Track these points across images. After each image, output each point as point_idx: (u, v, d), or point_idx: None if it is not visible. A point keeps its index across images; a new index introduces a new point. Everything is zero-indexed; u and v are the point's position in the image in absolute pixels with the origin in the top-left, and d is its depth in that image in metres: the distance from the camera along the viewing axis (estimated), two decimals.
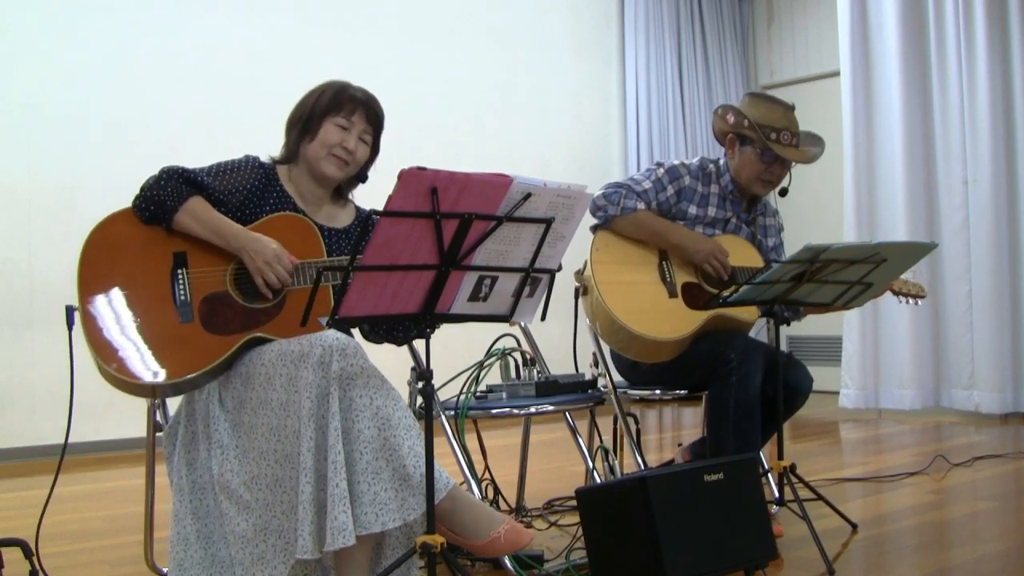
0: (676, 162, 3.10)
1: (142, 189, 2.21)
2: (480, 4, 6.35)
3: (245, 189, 2.28)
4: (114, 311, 2.13)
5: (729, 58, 7.35)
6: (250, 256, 2.16)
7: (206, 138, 4.85)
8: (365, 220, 1.77)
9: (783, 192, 3.13)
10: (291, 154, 2.37)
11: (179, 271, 2.19)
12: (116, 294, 2.15)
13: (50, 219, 4.68)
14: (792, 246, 2.63)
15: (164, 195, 2.17)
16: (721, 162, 3.14)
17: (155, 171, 2.22)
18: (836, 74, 6.21)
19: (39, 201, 4.73)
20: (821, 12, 7.01)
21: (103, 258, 2.17)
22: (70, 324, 2.10)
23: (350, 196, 2.50)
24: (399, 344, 2.48)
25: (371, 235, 1.77)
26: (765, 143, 2.99)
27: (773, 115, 3.02)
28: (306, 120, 2.33)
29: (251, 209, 2.29)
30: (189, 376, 2.10)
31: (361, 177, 2.45)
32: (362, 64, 5.70)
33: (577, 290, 3.01)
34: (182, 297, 2.17)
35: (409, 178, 1.75)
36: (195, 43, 5.17)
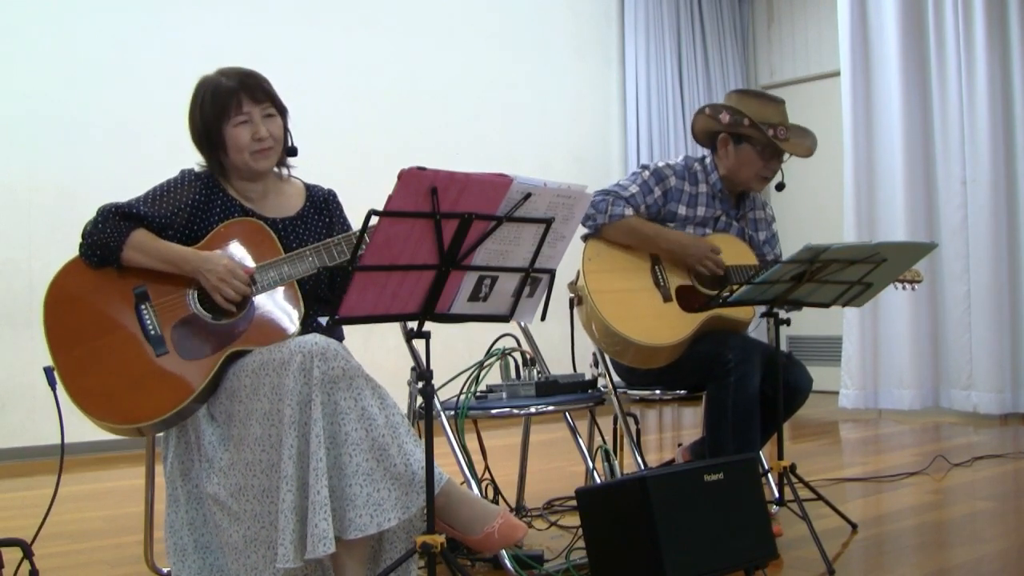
0: (661, 163, 3.10)
1: (83, 236, 2.19)
2: (480, 4, 6.35)
3: (188, 206, 2.25)
4: (90, 364, 2.11)
5: (729, 58, 7.35)
6: (204, 276, 2.14)
7: None
8: (365, 220, 1.77)
9: (780, 187, 3.12)
10: (215, 169, 2.33)
11: (142, 306, 2.16)
12: (87, 345, 2.13)
13: (50, 219, 4.68)
14: (792, 246, 2.63)
15: (105, 237, 2.15)
16: (707, 160, 3.13)
17: (93, 213, 2.20)
18: (836, 74, 6.21)
19: (39, 201, 4.73)
20: (821, 12, 7.01)
21: (66, 314, 2.15)
22: (52, 385, 2.09)
23: (291, 172, 2.43)
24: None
25: (371, 235, 1.77)
26: (768, 139, 2.98)
27: (768, 111, 3.02)
28: (207, 136, 2.28)
29: (199, 224, 2.26)
30: (177, 408, 2.08)
31: (290, 151, 2.37)
32: (362, 64, 5.71)
33: (571, 301, 3.00)
34: (152, 331, 2.14)
35: (409, 178, 1.75)
36: (195, 43, 5.17)
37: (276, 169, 2.38)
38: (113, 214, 2.18)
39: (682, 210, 3.05)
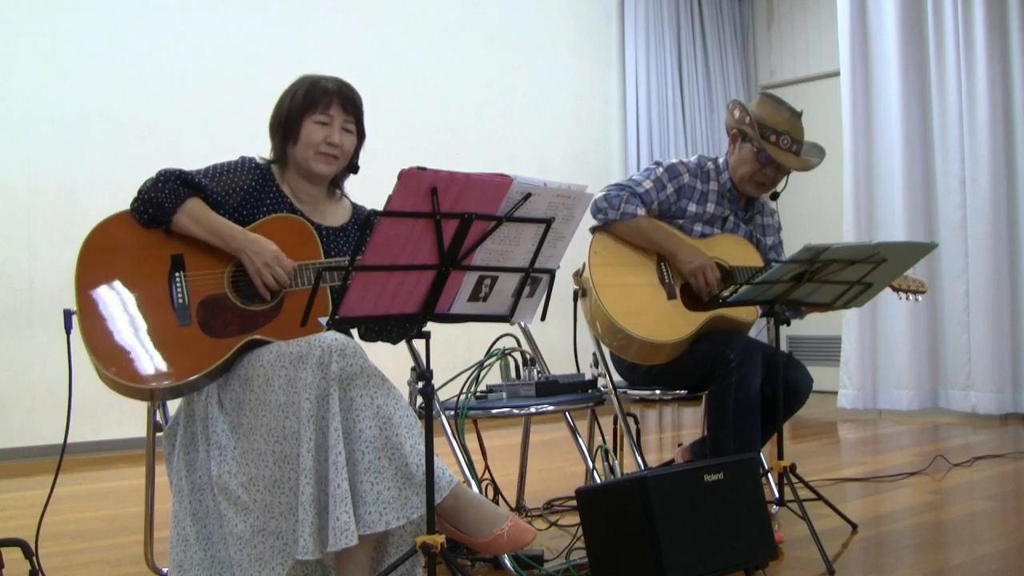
0: (675, 160, 3.11)
1: (140, 192, 2.21)
2: (480, 4, 6.35)
3: (242, 190, 2.28)
4: (112, 315, 2.13)
5: (729, 58, 7.35)
6: (249, 258, 2.16)
7: (206, 138, 4.86)
8: (365, 220, 1.77)
9: (774, 196, 3.14)
10: (279, 158, 2.37)
11: (177, 274, 2.18)
12: (114, 297, 2.14)
13: (50, 219, 4.69)
14: (792, 246, 2.63)
15: (162, 197, 2.18)
16: (720, 160, 3.15)
17: (152, 173, 2.22)
18: (836, 74, 6.21)
19: (39, 201, 4.73)
20: (821, 12, 7.01)
21: (101, 261, 2.17)
22: (68, 328, 2.09)
23: (344, 191, 2.49)
24: (394, 343, 2.48)
25: (371, 235, 1.77)
26: (761, 142, 2.99)
27: (777, 118, 3.02)
28: (285, 123, 2.32)
29: (249, 210, 2.28)
30: (188, 379, 2.09)
31: (352, 168, 2.43)
32: (362, 64, 5.70)
33: (576, 292, 3.01)
34: (180, 300, 2.16)
35: (409, 178, 1.75)
36: (195, 43, 5.18)
37: (331, 186, 2.43)
38: (175, 178, 2.21)
39: (692, 207, 3.06)
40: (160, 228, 2.20)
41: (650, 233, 2.98)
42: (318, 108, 2.30)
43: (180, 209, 2.18)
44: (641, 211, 2.97)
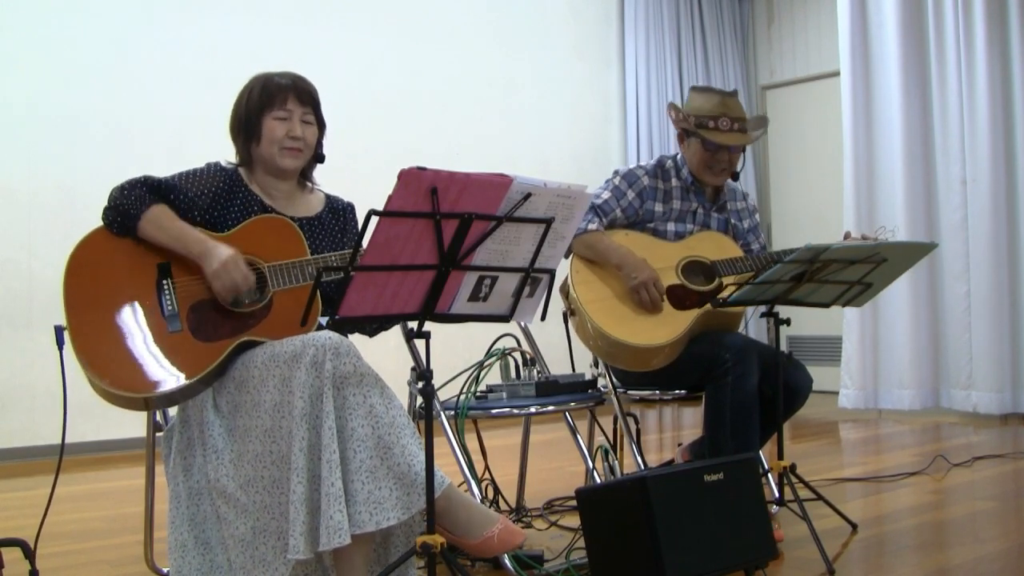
0: (632, 166, 3.14)
1: (108, 200, 2.21)
2: (480, 4, 6.35)
3: (211, 193, 2.29)
4: (102, 328, 2.12)
5: (729, 58, 7.35)
6: (205, 264, 2.16)
7: (206, 138, 4.83)
8: (365, 220, 1.77)
9: (734, 176, 3.15)
10: (244, 160, 2.38)
11: (164, 282, 2.18)
12: (103, 311, 2.14)
13: (50, 219, 4.69)
14: (792, 246, 2.63)
15: (127, 204, 2.18)
16: (679, 156, 3.18)
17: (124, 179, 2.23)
18: (836, 74, 6.21)
19: (39, 201, 4.73)
20: (821, 12, 7.01)
21: (87, 276, 2.16)
22: (60, 344, 2.09)
23: (315, 181, 2.49)
24: (370, 336, 2.48)
25: (371, 235, 1.77)
26: (701, 132, 3.02)
27: (708, 104, 3.05)
28: (246, 124, 2.33)
29: (219, 212, 2.29)
30: (181, 386, 2.09)
31: (319, 158, 2.45)
32: (362, 64, 5.72)
33: (564, 315, 3.01)
34: (169, 308, 2.16)
35: (409, 178, 1.76)
36: (195, 43, 5.18)
37: (302, 179, 2.44)
38: (140, 184, 2.21)
39: (659, 207, 3.08)
40: (129, 236, 2.19)
41: (595, 246, 2.98)
42: (275, 104, 2.31)
43: (144, 216, 2.18)
44: (593, 225, 2.98)
